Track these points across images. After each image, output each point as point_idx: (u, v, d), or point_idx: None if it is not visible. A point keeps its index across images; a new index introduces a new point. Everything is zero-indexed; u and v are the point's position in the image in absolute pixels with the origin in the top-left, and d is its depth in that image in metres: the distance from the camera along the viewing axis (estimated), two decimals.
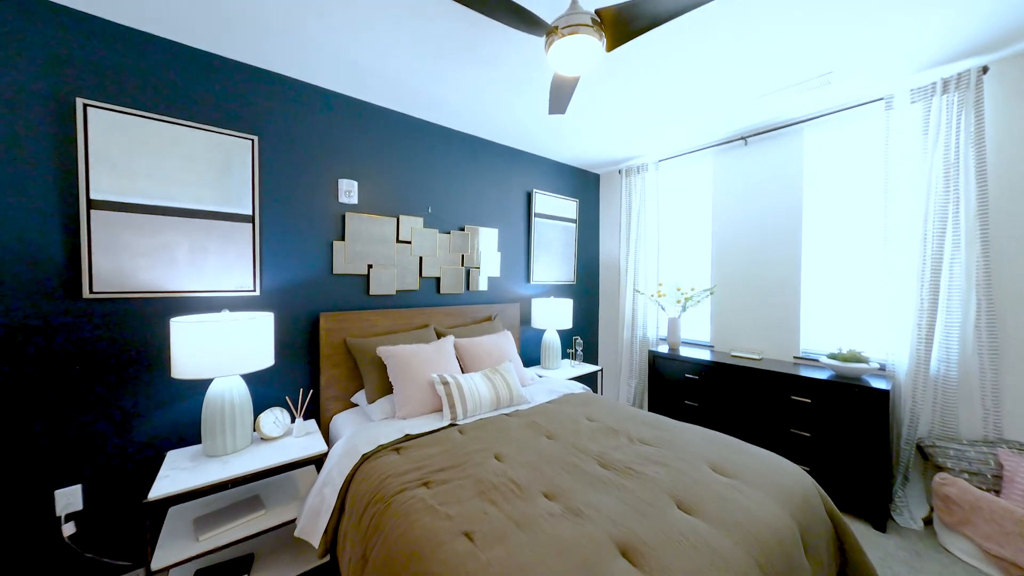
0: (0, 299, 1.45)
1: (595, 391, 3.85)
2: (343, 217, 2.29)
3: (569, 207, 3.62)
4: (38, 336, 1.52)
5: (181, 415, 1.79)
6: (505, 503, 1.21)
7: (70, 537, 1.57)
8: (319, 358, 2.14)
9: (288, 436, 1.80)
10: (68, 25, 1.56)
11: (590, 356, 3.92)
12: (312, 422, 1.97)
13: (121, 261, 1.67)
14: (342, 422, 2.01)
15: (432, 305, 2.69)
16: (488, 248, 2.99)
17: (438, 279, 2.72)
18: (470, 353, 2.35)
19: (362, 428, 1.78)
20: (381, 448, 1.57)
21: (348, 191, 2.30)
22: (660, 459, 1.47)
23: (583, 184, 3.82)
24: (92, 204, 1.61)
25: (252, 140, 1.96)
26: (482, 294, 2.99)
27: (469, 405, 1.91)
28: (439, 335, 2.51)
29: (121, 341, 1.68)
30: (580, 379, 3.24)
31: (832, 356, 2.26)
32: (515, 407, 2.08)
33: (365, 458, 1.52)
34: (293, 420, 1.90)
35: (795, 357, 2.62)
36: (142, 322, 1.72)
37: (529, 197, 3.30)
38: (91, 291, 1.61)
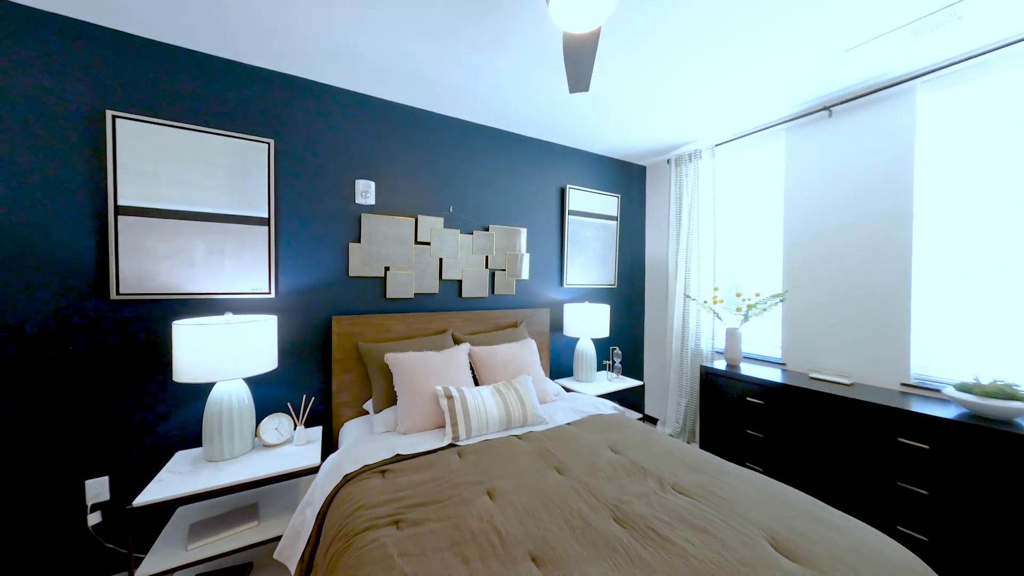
0: (35, 300, 1.54)
1: (641, 410, 3.41)
2: (359, 218, 2.19)
3: (609, 203, 3.23)
4: (70, 335, 1.59)
5: (198, 414, 1.79)
6: (480, 564, 0.94)
7: (94, 527, 1.61)
8: (331, 363, 2.06)
9: (288, 444, 1.71)
10: (98, 41, 1.62)
11: (634, 369, 3.47)
12: (317, 429, 1.88)
13: (144, 264, 1.71)
14: (349, 431, 1.88)
15: (453, 309, 2.50)
16: (515, 249, 2.74)
17: (460, 282, 2.53)
18: (485, 363, 2.11)
19: (359, 441, 1.63)
20: (366, 468, 1.39)
21: (365, 192, 2.20)
22: (699, 521, 1.09)
23: (626, 177, 3.40)
24: (119, 210, 1.66)
25: (268, 143, 1.93)
26: (509, 298, 2.75)
27: (474, 424, 1.67)
28: (457, 342, 2.32)
29: (145, 341, 1.71)
30: (620, 395, 2.85)
31: (964, 388, 1.64)
32: (528, 427, 1.79)
33: (347, 479, 1.35)
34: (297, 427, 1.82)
35: (904, 385, 1.98)
36: (164, 323, 1.74)
37: (562, 193, 2.99)
38: (118, 292, 1.66)
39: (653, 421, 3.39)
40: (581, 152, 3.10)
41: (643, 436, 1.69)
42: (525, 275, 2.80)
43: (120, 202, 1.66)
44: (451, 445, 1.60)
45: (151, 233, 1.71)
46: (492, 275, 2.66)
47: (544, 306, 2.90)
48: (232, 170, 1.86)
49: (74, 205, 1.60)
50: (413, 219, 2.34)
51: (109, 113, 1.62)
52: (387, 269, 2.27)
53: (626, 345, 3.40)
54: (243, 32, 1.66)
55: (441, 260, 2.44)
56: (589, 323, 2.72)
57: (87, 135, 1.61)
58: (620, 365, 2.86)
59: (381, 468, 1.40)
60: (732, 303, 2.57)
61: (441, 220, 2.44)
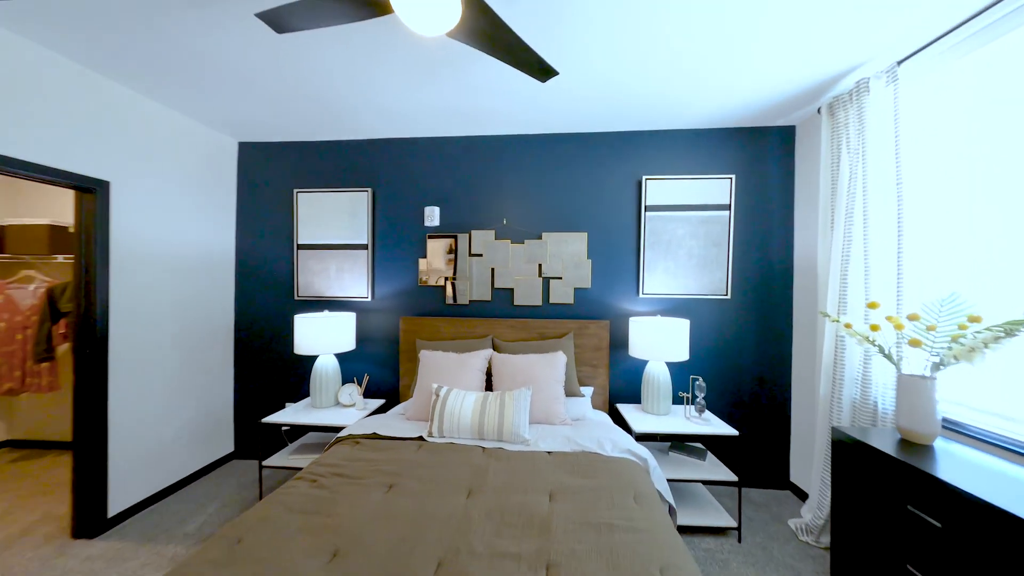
0: (267, 300, 2.72)
1: (776, 476, 2.37)
2: (425, 238, 2.60)
3: (715, 189, 2.37)
4: (277, 321, 2.72)
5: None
6: (296, 534, 1.04)
7: (285, 432, 2.68)
8: (399, 353, 2.54)
9: (353, 408, 2.27)
10: (288, 149, 2.69)
11: (775, 414, 2.36)
12: (378, 401, 2.39)
13: (308, 278, 2.68)
14: (397, 406, 2.28)
15: (504, 317, 2.53)
16: (573, 256, 2.47)
17: (511, 290, 2.53)
18: (499, 371, 2.04)
19: (376, 417, 1.98)
20: (349, 437, 1.69)
21: (431, 215, 2.59)
22: None
23: (746, 148, 2.39)
24: (299, 247, 2.70)
25: (368, 191, 2.62)
26: (566, 308, 2.50)
27: (446, 424, 1.69)
28: (496, 347, 2.34)
29: None
30: (712, 443, 2.07)
31: None
32: (502, 443, 1.63)
33: (337, 440, 1.70)
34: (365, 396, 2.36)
35: None
36: None
37: (639, 187, 2.45)
38: (298, 295, 2.70)
39: (802, 497, 2.21)
40: (665, 133, 2.44)
41: (607, 497, 1.23)
42: (587, 283, 2.47)
43: (299, 241, 2.68)
44: (420, 438, 1.70)
45: (311, 259, 2.67)
46: (546, 284, 2.51)
47: (618, 317, 2.46)
48: (348, 213, 2.63)
49: (285, 245, 2.71)
50: (467, 234, 2.55)
51: (295, 191, 2.67)
52: (446, 279, 2.57)
53: (748, 379, 2.37)
54: (346, 118, 2.34)
55: (493, 270, 2.53)
56: (659, 341, 2.11)
57: (287, 203, 2.70)
58: (703, 400, 2.04)
59: (357, 439, 1.68)
60: (915, 331, 1.38)
61: (492, 232, 2.53)
